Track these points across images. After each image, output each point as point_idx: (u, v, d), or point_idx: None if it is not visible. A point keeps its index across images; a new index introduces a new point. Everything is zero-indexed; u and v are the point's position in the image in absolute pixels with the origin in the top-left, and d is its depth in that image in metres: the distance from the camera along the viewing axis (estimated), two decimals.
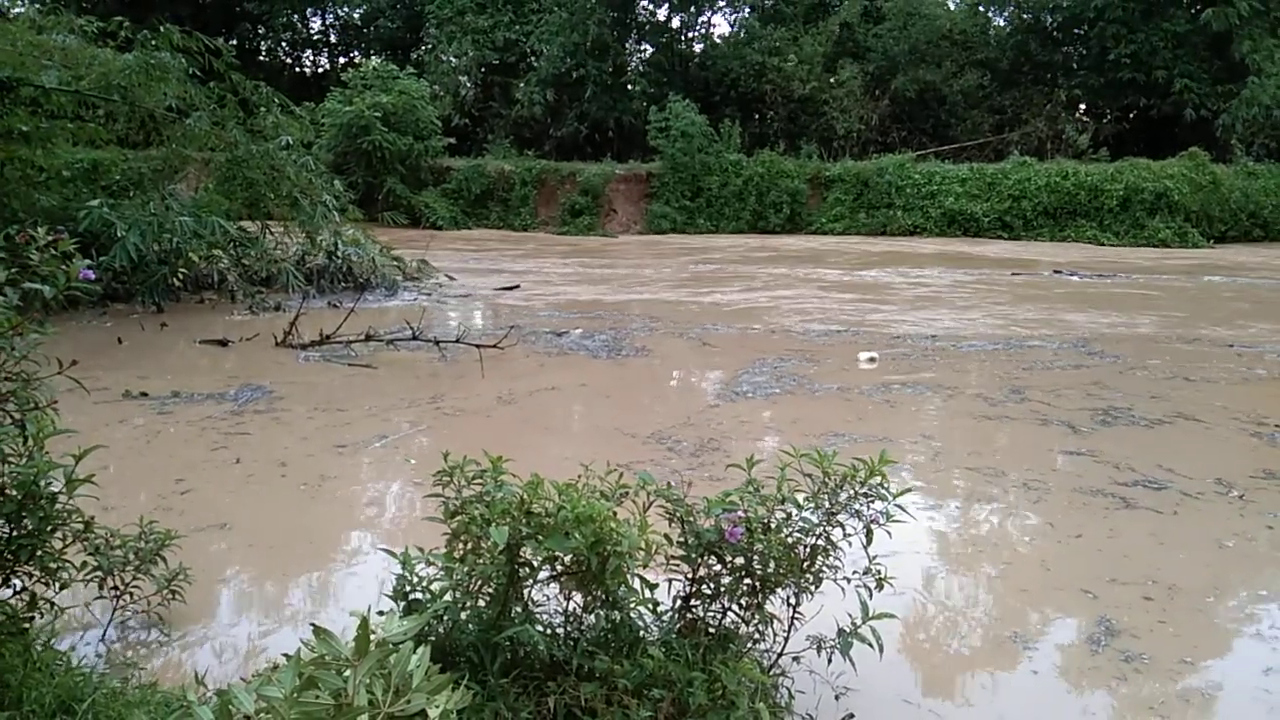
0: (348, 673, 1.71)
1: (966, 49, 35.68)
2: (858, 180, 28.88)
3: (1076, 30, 35.81)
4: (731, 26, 38.93)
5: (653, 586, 3.26)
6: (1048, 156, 30.40)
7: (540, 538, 2.97)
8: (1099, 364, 10.32)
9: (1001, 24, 37.72)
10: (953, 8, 37.83)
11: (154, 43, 11.83)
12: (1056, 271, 19.49)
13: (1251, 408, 8.42)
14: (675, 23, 38.23)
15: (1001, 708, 3.88)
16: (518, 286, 16.31)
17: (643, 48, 38.47)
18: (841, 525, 3.48)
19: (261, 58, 41.70)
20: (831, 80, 34.67)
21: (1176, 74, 31.90)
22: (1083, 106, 36.77)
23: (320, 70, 43.49)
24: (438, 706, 1.76)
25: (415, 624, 1.88)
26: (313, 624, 1.87)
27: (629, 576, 3.09)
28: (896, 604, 4.65)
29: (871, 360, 10.24)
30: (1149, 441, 7.46)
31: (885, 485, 3.43)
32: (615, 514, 3.20)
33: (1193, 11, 32.33)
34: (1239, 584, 5.07)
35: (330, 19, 43.78)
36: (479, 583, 3.15)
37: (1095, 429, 7.75)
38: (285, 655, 2.01)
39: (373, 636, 1.79)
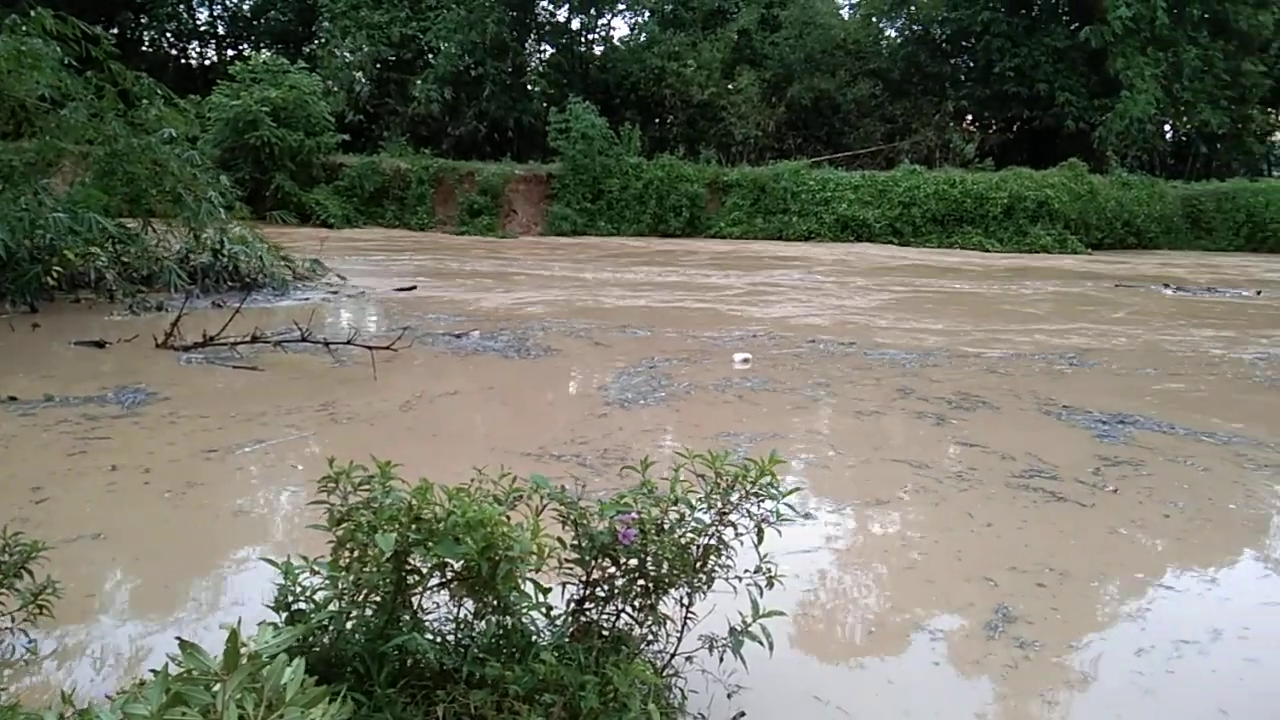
0: (216, 688, 1.63)
1: (860, 59, 36.63)
2: (755, 186, 29.34)
3: (964, 43, 37.14)
4: (631, 30, 39.13)
5: (546, 591, 3.23)
6: (936, 165, 31.44)
7: (429, 544, 2.91)
8: (965, 363, 10.71)
9: (893, 35, 38.88)
10: (846, 18, 38.80)
11: (25, 28, 11.22)
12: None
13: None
14: (575, 24, 38.22)
15: (901, 699, 3.96)
16: (414, 287, 16.02)
17: (543, 48, 38.35)
18: (733, 525, 3.51)
19: (145, 48, 40.05)
20: (730, 87, 35.19)
21: (1057, 87, 33.38)
22: (969, 117, 38.16)
23: (207, 63, 42.05)
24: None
25: (289, 635, 1.81)
26: (178, 638, 1.78)
27: (521, 581, 3.05)
28: (802, 601, 4.75)
29: (745, 361, 10.32)
30: (1024, 432, 7.76)
31: (775, 484, 3.48)
32: (509, 518, 3.17)
33: (1072, 28, 33.89)
34: (1120, 569, 5.31)
35: (218, 10, 42.42)
36: (365, 591, 3.07)
37: (974, 420, 8.01)
38: (153, 671, 1.91)
39: (244, 649, 1.72)
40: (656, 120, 35.97)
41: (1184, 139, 36.70)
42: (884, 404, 8.80)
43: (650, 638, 3.56)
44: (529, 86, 35.81)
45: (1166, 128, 35.75)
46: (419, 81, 34.50)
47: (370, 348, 9.74)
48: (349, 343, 9.91)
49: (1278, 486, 6.80)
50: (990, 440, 7.64)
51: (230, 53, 41.49)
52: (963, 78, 37.12)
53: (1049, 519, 6.02)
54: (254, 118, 26.54)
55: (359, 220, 28.31)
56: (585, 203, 28.87)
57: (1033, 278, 20.83)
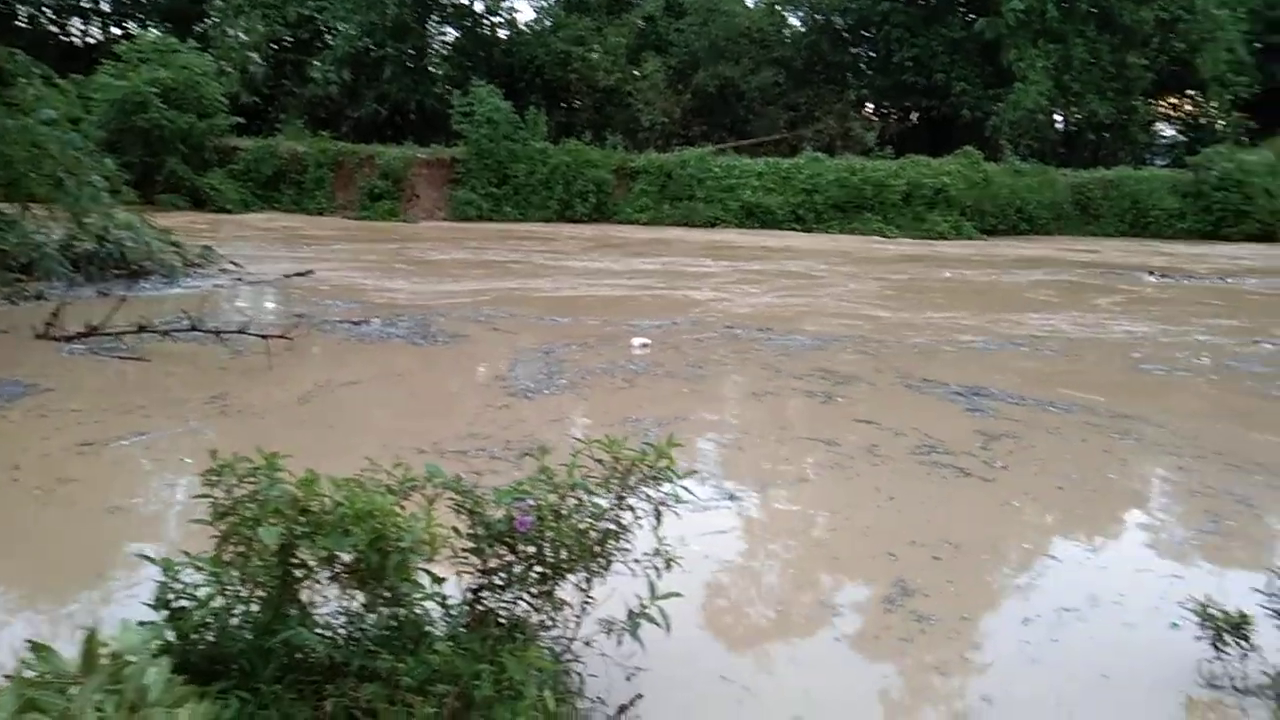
0: (73, 691, 1.55)
1: (764, 47, 36.99)
2: (661, 172, 29.41)
3: (865, 33, 37.85)
4: (536, 14, 38.74)
5: (440, 580, 3.18)
6: (838, 153, 31.98)
7: (316, 537, 2.84)
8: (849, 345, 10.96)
9: (796, 24, 39.33)
10: (751, 6, 39.10)
11: None
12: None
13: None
14: (478, 6, 37.62)
15: (804, 675, 4.03)
16: (311, 272, 15.59)
17: (445, 30, 37.66)
18: (632, 509, 3.52)
19: (20, 23, 37.95)
20: (635, 73, 35.16)
21: (954, 77, 34.29)
22: (870, 106, 38.94)
23: (91, 41, 40.04)
24: None
25: (151, 634, 1.73)
26: (30, 641, 1.69)
27: (414, 572, 2.99)
28: (710, 582, 4.79)
29: (644, 346, 10.33)
30: (908, 409, 7.97)
31: (673, 467, 3.49)
32: (403, 508, 3.11)
33: (967, 20, 34.82)
34: (1010, 540, 5.51)
35: None
36: (251, 586, 2.98)
37: (858, 396, 8.20)
38: (6, 676, 1.81)
39: (105, 650, 1.64)
40: (563, 105, 35.72)
41: (1074, 128, 38.09)
42: (781, 386, 8.95)
43: (549, 624, 3.54)
44: (431, 69, 35.16)
45: (1057, 117, 37.05)
46: (317, 63, 33.55)
47: (264, 336, 9.44)
48: (242, 331, 9.59)
49: (1146, 457, 7.13)
50: (879, 416, 7.85)
51: (116, 31, 39.64)
52: (864, 67, 37.86)
53: (946, 493, 6.21)
54: (142, 99, 25.46)
55: (255, 205, 27.44)
56: (491, 187, 28.51)
57: (951, 265, 21.43)
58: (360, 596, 3.09)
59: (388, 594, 2.99)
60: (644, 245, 22.89)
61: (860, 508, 5.94)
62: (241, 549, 2.96)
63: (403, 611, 3.04)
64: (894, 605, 4.58)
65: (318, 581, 3.00)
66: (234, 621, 2.97)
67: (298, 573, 2.98)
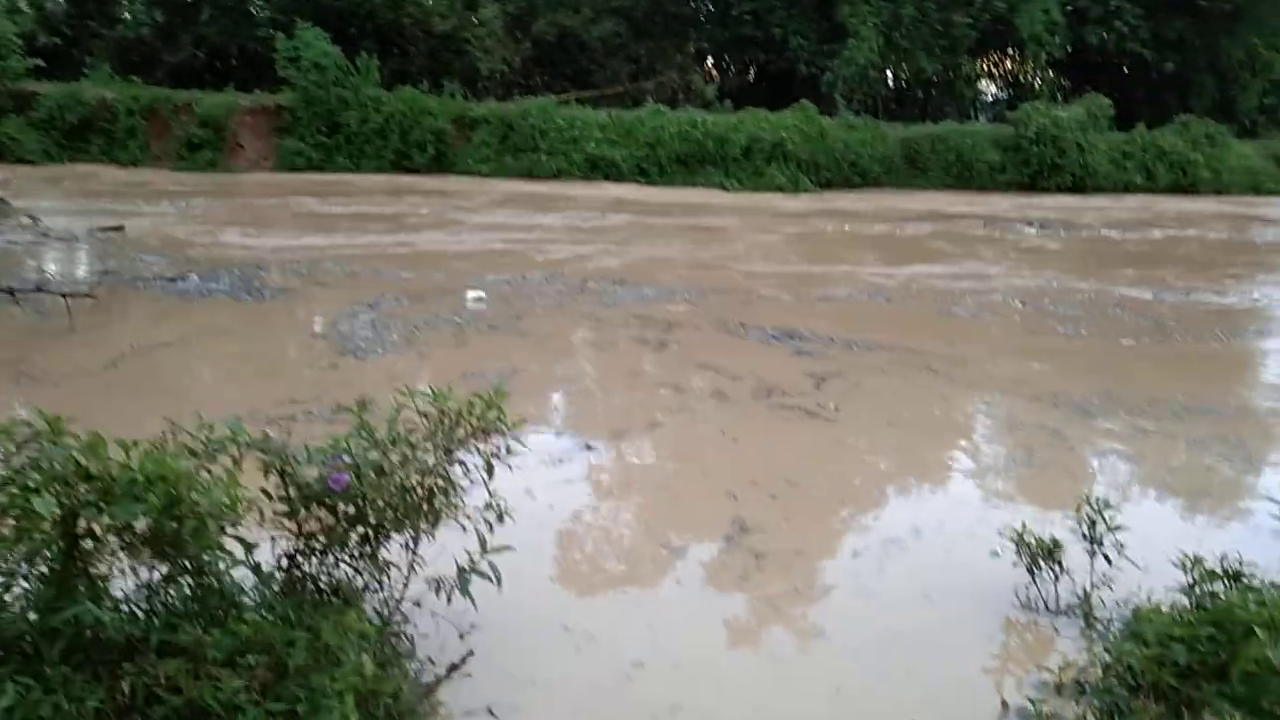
0: None
1: None
2: (502, 122, 28.73)
3: None
4: None
5: (251, 547, 2.98)
6: (680, 106, 32.05)
7: (103, 505, 2.59)
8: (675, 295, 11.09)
9: None
10: None
11: None
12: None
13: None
14: None
15: (646, 618, 4.03)
16: (122, 228, 14.49)
17: None
18: (462, 463, 3.39)
19: None
20: (473, 19, 34.09)
21: (790, 32, 34.79)
22: (710, 59, 39.15)
23: None
24: None
25: None
26: None
27: (218, 538, 2.78)
28: (557, 532, 4.73)
29: (479, 299, 10.14)
30: (749, 355, 8.11)
31: (503, 418, 3.38)
32: (210, 472, 2.88)
33: None
34: (841, 477, 5.68)
35: None
36: (32, 561, 2.70)
37: (693, 343, 8.30)
38: None
39: None
40: (396, 51, 34.22)
41: (903, 85, 39.39)
42: (618, 335, 8.96)
43: (375, 586, 3.39)
44: (253, 11, 33.05)
45: (888, 73, 38.25)
46: (125, 1, 31.03)
47: (65, 295, 8.67)
48: (39, 289, 8.82)
49: (966, 396, 7.49)
50: (714, 361, 7.98)
51: None
52: (703, 20, 37.89)
53: (784, 433, 6.37)
54: None
55: (60, 156, 25.23)
56: (321, 137, 27.12)
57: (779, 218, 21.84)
58: (163, 567, 2.87)
59: (188, 563, 2.78)
60: (486, 197, 22.38)
61: (703, 450, 6.01)
62: (21, 521, 2.68)
63: (208, 581, 2.84)
64: (733, 544, 4.66)
65: (112, 553, 2.75)
66: (15, 601, 2.71)
67: (87, 544, 2.73)
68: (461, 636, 3.58)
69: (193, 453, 2.93)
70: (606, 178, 28.09)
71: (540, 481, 5.33)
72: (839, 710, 3.34)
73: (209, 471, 2.88)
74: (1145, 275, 13.92)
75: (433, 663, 3.37)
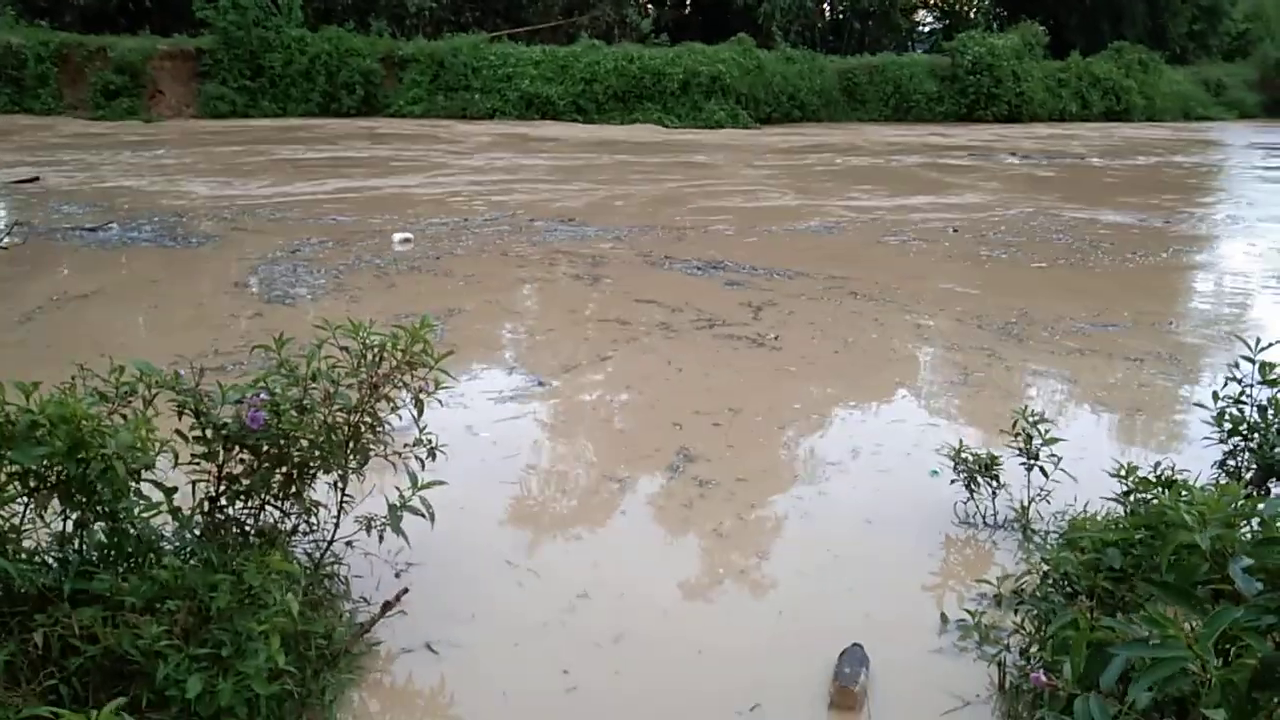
0: None
1: None
2: (433, 61, 27.98)
3: None
4: None
5: (170, 491, 2.85)
6: (615, 41, 31.48)
7: (1, 449, 2.44)
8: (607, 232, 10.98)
9: None
10: None
11: None
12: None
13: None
14: None
15: (590, 550, 4.00)
16: (37, 178, 13.88)
17: None
18: (388, 398, 3.28)
19: None
20: None
21: None
22: None
23: None
24: None
25: None
26: None
27: (130, 482, 2.65)
28: (504, 468, 4.66)
29: (406, 241, 9.96)
30: (682, 287, 8.07)
31: (430, 352, 3.26)
32: (125, 418, 2.74)
33: None
34: (782, 403, 5.67)
35: None
36: None
37: (620, 276, 8.23)
38: None
39: None
40: None
41: (840, 16, 39.14)
42: (553, 273, 8.85)
43: (304, 528, 3.29)
44: None
45: (825, 5, 37.96)
46: None
47: None
48: None
49: (900, 320, 7.52)
50: (649, 292, 7.93)
51: None
52: None
53: (727, 361, 6.35)
54: None
55: None
56: (244, 80, 26.16)
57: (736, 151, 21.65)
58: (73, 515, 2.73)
59: (102, 509, 2.65)
60: (415, 137, 21.83)
61: (649, 383, 5.97)
62: None
63: (123, 527, 2.71)
64: (678, 474, 4.64)
65: (10, 500, 2.60)
66: None
67: None
68: (397, 575, 3.50)
69: (103, 396, 2.78)
70: (543, 116, 27.61)
71: (484, 418, 5.28)
72: (780, 633, 3.34)
73: (124, 417, 2.75)
74: (1081, 200, 14.09)
75: (367, 602, 3.29)
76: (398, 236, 10.00)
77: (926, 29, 43.50)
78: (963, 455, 4.12)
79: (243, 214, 11.43)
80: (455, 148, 20.24)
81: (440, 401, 3.37)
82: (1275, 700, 1.58)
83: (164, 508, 2.81)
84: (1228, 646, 2.00)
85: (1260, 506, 2.30)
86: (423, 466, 3.27)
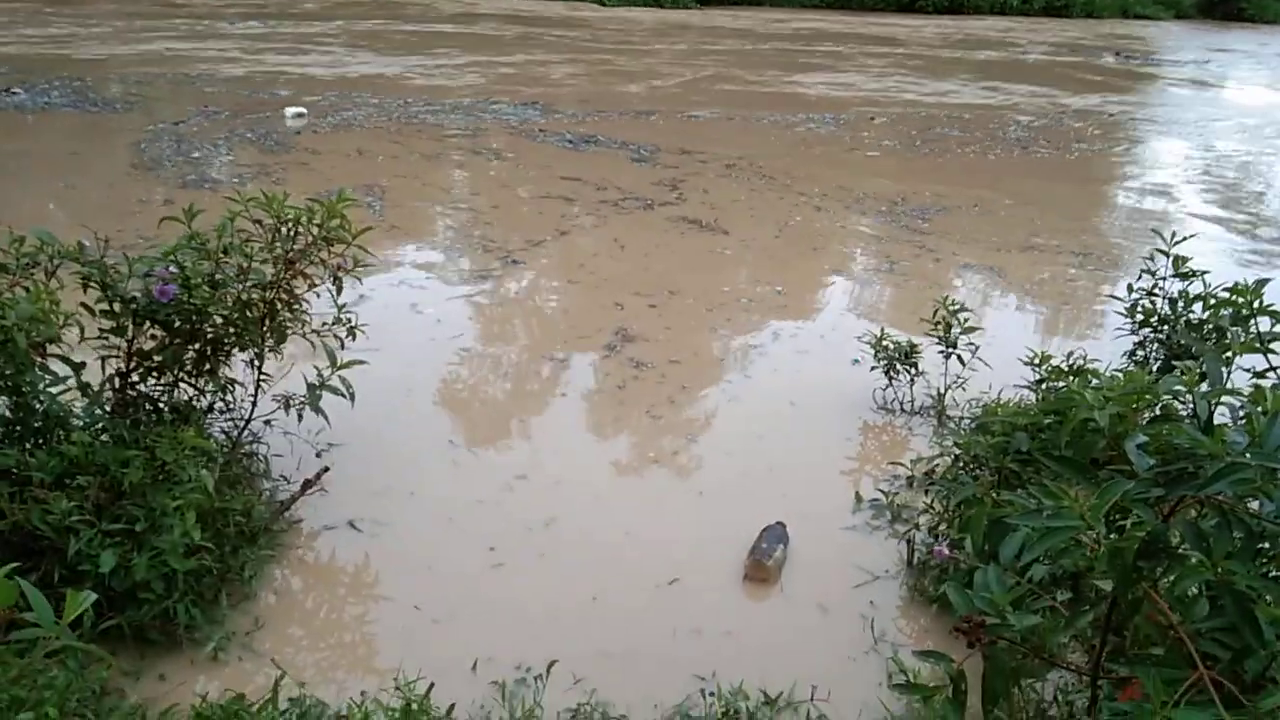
0: None
1: None
2: None
3: None
4: None
5: (79, 366, 2.76)
6: None
7: None
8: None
9: None
10: None
11: None
12: None
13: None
14: None
15: (527, 430, 4.01)
16: None
17: None
18: (304, 275, 3.19)
19: None
20: None
21: None
22: None
23: None
24: None
25: None
26: None
27: (33, 355, 2.56)
28: (447, 351, 4.63)
29: (299, 116, 9.65)
30: (604, 165, 7.96)
31: (347, 227, 3.17)
32: (26, 289, 2.62)
33: None
34: (716, 285, 5.69)
35: None
36: None
37: (530, 156, 8.09)
38: None
39: None
40: None
41: None
42: (463, 153, 8.65)
43: (221, 406, 3.24)
44: None
45: None
46: None
47: None
48: None
49: (826, 208, 7.53)
50: (567, 169, 7.85)
51: None
52: None
53: (668, 242, 6.37)
54: None
55: None
56: None
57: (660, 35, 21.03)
58: None
59: (5, 383, 2.56)
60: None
61: (597, 258, 5.97)
62: None
63: (28, 402, 2.62)
64: (614, 353, 4.66)
65: None
66: None
67: None
68: (318, 454, 3.48)
69: (2, 267, 2.66)
70: None
71: (436, 297, 5.30)
72: (702, 512, 3.42)
73: (26, 289, 2.63)
74: (1006, 87, 14.10)
75: (288, 481, 3.27)
76: (290, 111, 9.68)
77: None
78: (883, 342, 4.19)
79: (156, 79, 10.83)
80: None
81: (359, 279, 3.29)
82: (1159, 570, 1.66)
83: (72, 383, 2.73)
84: (1120, 521, 2.09)
85: (1158, 384, 2.39)
86: (342, 346, 3.22)
